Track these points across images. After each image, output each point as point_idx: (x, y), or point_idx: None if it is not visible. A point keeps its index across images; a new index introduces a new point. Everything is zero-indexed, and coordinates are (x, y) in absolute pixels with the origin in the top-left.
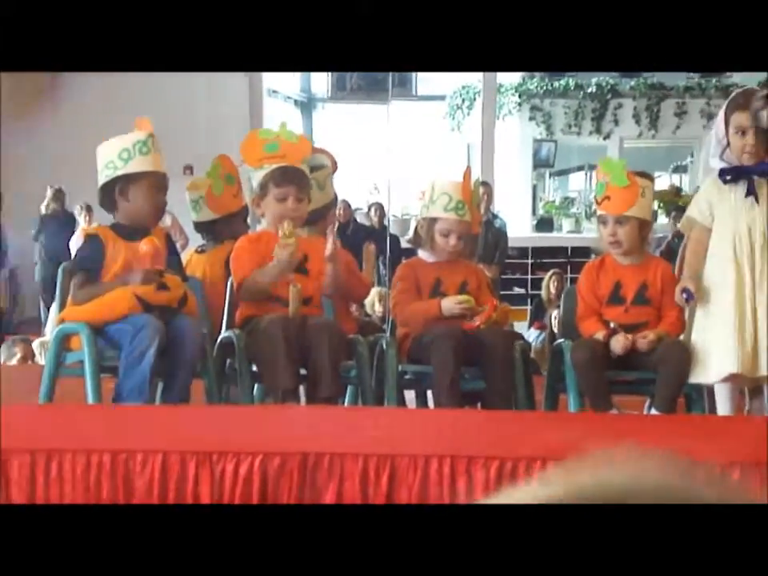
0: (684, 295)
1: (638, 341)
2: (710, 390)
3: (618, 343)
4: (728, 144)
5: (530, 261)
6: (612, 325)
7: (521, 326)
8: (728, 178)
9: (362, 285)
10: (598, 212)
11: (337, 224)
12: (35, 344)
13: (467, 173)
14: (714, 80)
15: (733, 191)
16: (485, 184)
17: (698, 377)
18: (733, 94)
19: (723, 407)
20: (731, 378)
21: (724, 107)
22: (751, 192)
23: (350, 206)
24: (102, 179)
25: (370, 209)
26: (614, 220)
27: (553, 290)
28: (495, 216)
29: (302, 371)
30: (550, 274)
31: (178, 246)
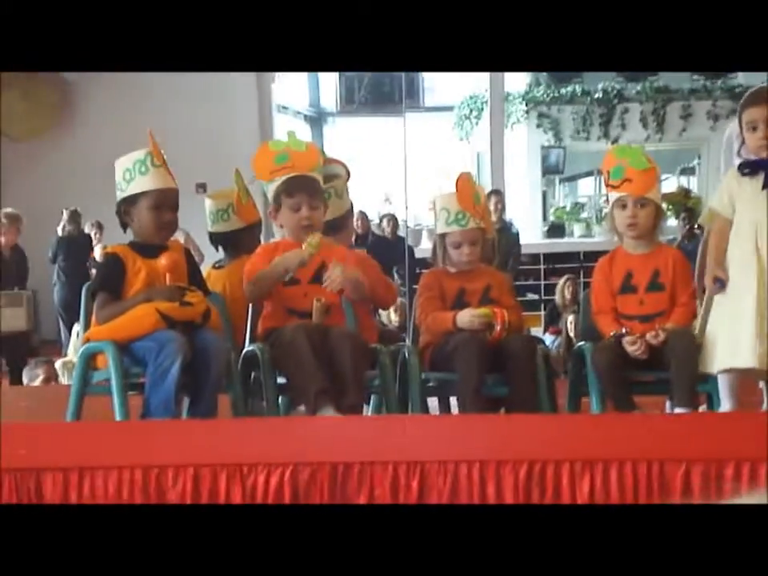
0: (717, 284)
1: (649, 338)
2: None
3: (631, 345)
4: (743, 141)
5: (542, 267)
6: (624, 330)
7: (535, 332)
8: (746, 171)
9: (388, 289)
10: (615, 195)
11: (355, 235)
12: (57, 365)
13: (462, 180)
14: (719, 81)
15: (752, 184)
16: (496, 192)
17: (709, 366)
18: (747, 93)
19: (727, 402)
20: (744, 372)
21: (740, 105)
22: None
23: (367, 217)
24: (117, 199)
25: (381, 220)
26: (635, 202)
27: (567, 295)
28: (510, 224)
29: None
30: (564, 279)
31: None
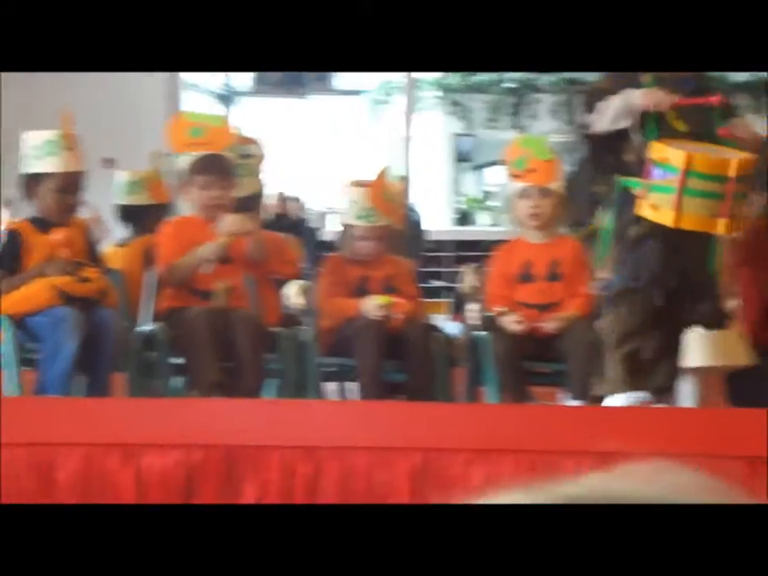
0: None
1: (546, 323)
2: None
3: (513, 323)
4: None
5: (449, 254)
6: (498, 309)
7: (440, 319)
8: None
9: (289, 260)
10: (518, 185)
11: (276, 215)
12: None
13: (378, 177)
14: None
15: None
16: (401, 178)
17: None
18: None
19: (686, 399)
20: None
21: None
22: None
23: (286, 197)
24: (20, 172)
25: (286, 201)
26: (539, 192)
27: (471, 283)
28: (411, 209)
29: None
30: (468, 267)
31: (98, 238)
